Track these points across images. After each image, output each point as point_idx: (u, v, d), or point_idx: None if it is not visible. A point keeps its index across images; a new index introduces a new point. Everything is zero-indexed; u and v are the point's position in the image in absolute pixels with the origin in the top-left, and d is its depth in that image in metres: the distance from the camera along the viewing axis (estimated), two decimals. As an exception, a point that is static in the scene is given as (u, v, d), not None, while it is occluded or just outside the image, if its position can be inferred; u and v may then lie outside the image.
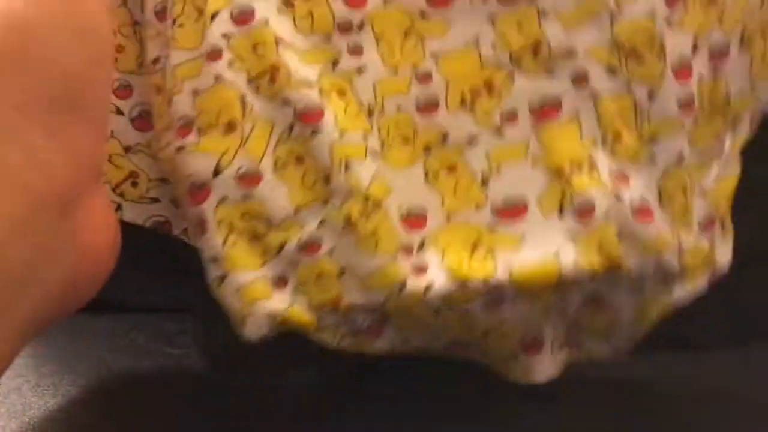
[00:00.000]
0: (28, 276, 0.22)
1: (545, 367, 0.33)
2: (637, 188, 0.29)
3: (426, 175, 0.30)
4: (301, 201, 0.29)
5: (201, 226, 0.29)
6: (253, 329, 0.29)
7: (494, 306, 0.30)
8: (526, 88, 0.30)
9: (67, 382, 0.34)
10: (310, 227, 0.29)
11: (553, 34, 0.29)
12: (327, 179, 0.29)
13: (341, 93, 0.30)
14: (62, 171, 0.23)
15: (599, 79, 0.29)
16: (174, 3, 0.30)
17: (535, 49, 0.30)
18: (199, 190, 0.29)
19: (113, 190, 0.31)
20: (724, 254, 0.31)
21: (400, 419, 0.32)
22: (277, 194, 0.29)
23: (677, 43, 0.29)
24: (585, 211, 0.29)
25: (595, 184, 0.29)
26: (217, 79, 0.29)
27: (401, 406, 0.33)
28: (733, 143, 0.32)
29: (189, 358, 0.35)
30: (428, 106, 0.30)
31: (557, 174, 0.29)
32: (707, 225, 0.31)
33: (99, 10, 0.24)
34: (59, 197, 0.23)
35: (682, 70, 0.29)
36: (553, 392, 0.33)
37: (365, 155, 0.29)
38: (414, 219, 0.30)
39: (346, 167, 0.29)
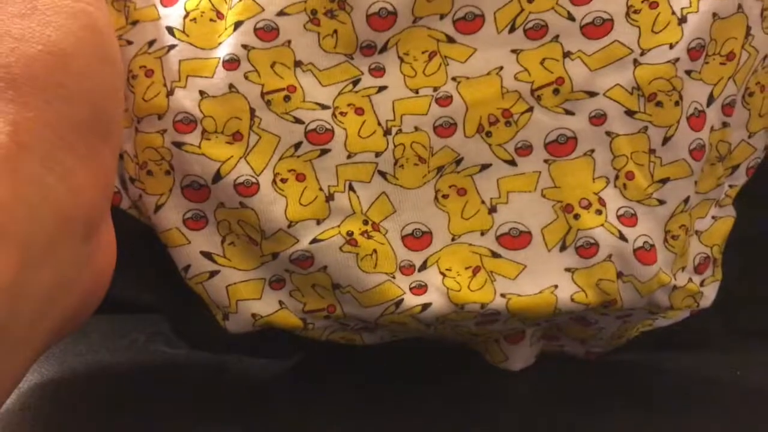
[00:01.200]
0: (51, 298, 0.23)
1: (523, 355, 0.34)
2: (644, 230, 0.30)
3: (436, 195, 0.30)
4: (295, 217, 0.29)
5: (200, 221, 0.30)
6: (236, 326, 0.30)
7: (487, 324, 0.30)
8: (543, 123, 0.30)
9: (67, 383, 0.34)
10: (302, 244, 0.29)
11: (577, 73, 0.30)
12: (327, 199, 0.29)
13: (359, 111, 0.30)
14: (90, 194, 0.24)
15: (617, 120, 0.30)
16: None
17: (557, 86, 0.30)
18: (198, 190, 0.29)
19: None
20: (709, 296, 0.33)
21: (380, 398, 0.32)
22: (273, 207, 0.29)
23: (694, 94, 0.30)
24: (588, 249, 0.29)
25: (601, 224, 0.29)
26: (231, 87, 0.29)
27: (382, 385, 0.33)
28: (728, 188, 0.33)
29: (189, 358, 0.36)
30: (446, 129, 0.30)
31: (565, 209, 0.30)
32: (701, 266, 0.32)
33: (115, 37, 0.26)
34: (85, 220, 0.24)
35: (697, 120, 0.30)
36: (551, 393, 0.33)
37: (371, 178, 0.30)
38: (418, 239, 0.30)
39: (350, 189, 0.29)
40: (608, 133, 0.30)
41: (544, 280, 0.29)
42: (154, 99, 0.29)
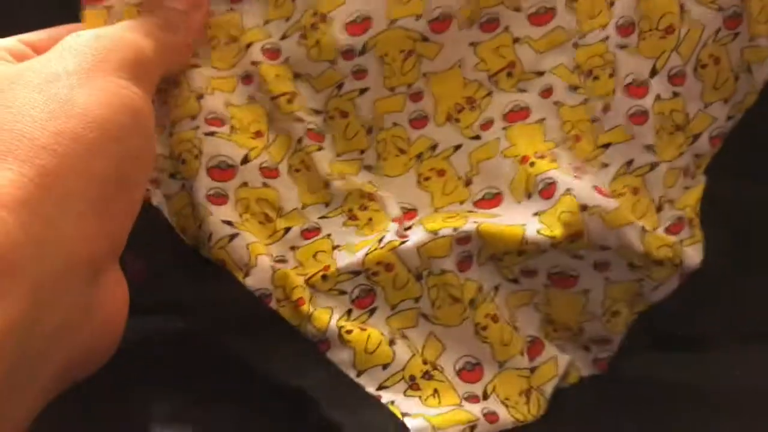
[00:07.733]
0: (56, 339, 0.24)
1: None
2: (594, 181, 0.33)
3: (418, 179, 0.35)
4: (307, 201, 0.34)
5: (220, 198, 0.33)
6: (256, 280, 0.33)
7: (465, 265, 0.32)
8: (501, 101, 0.35)
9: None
10: (312, 220, 0.34)
11: (525, 57, 0.35)
12: (326, 185, 0.34)
13: (344, 114, 0.35)
14: (98, 242, 0.25)
15: (562, 94, 0.34)
16: (209, 26, 0.34)
17: (510, 69, 0.35)
18: (225, 170, 0.33)
19: None
20: (693, 255, 0.34)
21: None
22: (289, 191, 0.34)
23: (633, 66, 0.34)
24: (548, 189, 0.32)
25: (556, 168, 0.33)
26: (250, 99, 0.35)
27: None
28: (695, 158, 0.35)
29: (189, 357, 0.35)
30: (419, 121, 0.35)
31: (522, 161, 0.33)
32: (675, 227, 0.34)
33: (143, 94, 0.28)
34: (92, 265, 0.25)
35: (637, 89, 0.33)
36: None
37: (358, 171, 0.35)
38: (406, 214, 0.35)
39: (342, 178, 0.35)
40: (556, 103, 0.35)
41: (514, 221, 0.32)
42: (186, 104, 0.33)
